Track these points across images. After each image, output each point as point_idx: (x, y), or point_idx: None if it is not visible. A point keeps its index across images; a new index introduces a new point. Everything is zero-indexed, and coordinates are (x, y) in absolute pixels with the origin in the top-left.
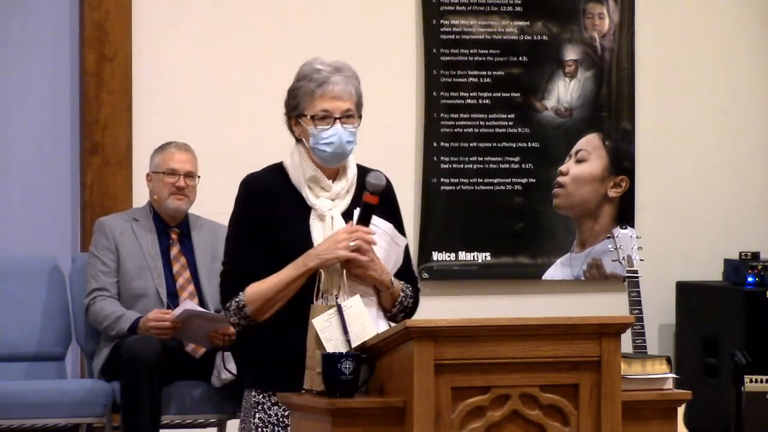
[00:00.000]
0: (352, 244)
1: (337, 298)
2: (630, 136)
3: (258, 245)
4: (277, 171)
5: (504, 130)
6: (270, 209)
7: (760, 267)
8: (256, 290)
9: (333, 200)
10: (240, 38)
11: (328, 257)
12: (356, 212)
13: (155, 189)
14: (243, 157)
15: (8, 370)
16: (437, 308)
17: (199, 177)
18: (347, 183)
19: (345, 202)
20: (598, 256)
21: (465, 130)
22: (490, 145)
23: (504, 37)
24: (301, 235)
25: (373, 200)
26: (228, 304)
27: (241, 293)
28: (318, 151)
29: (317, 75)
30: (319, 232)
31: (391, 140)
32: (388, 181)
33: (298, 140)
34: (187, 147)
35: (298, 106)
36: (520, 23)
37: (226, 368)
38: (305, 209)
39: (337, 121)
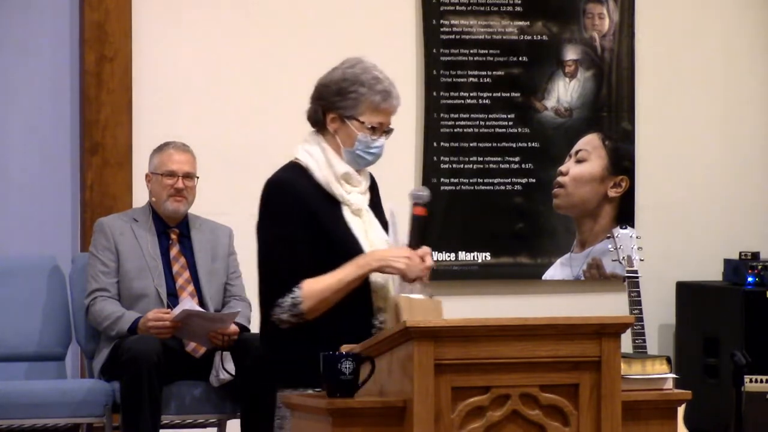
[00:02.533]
0: (418, 270)
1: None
2: (630, 136)
3: (305, 242)
4: (297, 170)
5: (504, 130)
6: (308, 206)
7: (760, 267)
8: (313, 288)
9: (363, 195)
10: (240, 38)
11: (390, 265)
12: (387, 222)
13: (154, 190)
14: (243, 157)
15: (8, 370)
16: None
17: (198, 177)
18: (367, 179)
19: (368, 197)
20: (598, 256)
21: (465, 130)
22: (490, 145)
23: (504, 37)
24: (344, 230)
25: (423, 212)
26: (281, 301)
27: (296, 290)
28: (358, 156)
29: (380, 86)
30: (358, 226)
31: (391, 140)
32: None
33: (316, 127)
34: (186, 147)
35: (353, 109)
36: (520, 23)
37: (225, 368)
38: (336, 205)
39: (384, 133)
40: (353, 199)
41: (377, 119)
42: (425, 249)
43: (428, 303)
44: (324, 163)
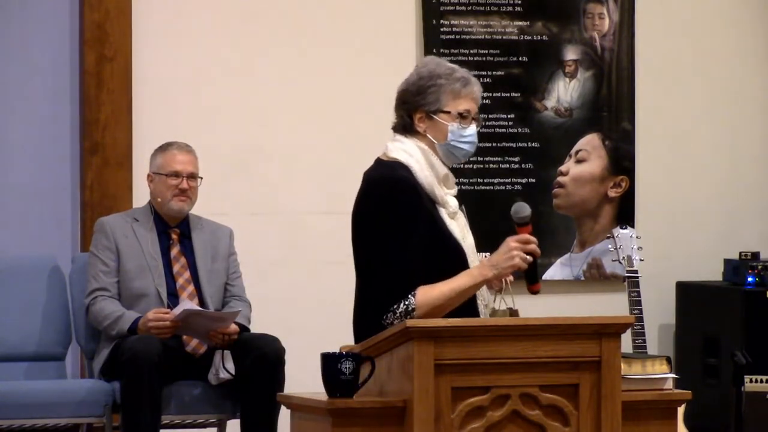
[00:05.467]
0: (528, 256)
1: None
2: (630, 136)
3: (418, 245)
4: (402, 169)
5: (504, 130)
6: (418, 208)
7: (760, 267)
8: (428, 296)
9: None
10: (240, 38)
11: (504, 266)
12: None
13: (157, 190)
14: (243, 158)
15: (8, 370)
16: None
17: (201, 178)
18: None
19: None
20: (598, 256)
21: None
22: (490, 145)
23: (504, 37)
24: (446, 233)
25: (528, 230)
26: (395, 306)
27: (411, 297)
28: (454, 148)
29: (457, 74)
30: (455, 229)
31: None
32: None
33: (406, 134)
34: (189, 148)
35: (437, 102)
36: (520, 23)
37: (225, 368)
38: (433, 206)
39: (473, 121)
40: (451, 201)
41: (462, 106)
42: (521, 236)
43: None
44: (425, 164)
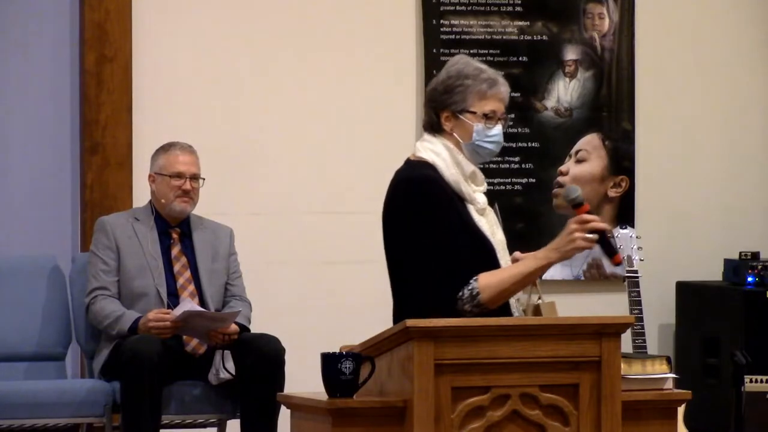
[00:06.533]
0: (589, 235)
1: (539, 298)
2: (630, 136)
3: (460, 239)
4: (430, 169)
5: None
6: (452, 206)
7: (760, 267)
8: (491, 281)
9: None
10: (240, 38)
11: (567, 249)
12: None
13: (160, 191)
14: (242, 158)
15: (8, 370)
16: None
17: (203, 179)
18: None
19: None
20: (598, 256)
21: None
22: None
23: (504, 37)
24: (474, 228)
25: (587, 209)
26: (460, 294)
27: (472, 282)
28: (479, 147)
29: (484, 75)
30: (484, 225)
31: (391, 140)
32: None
33: (434, 133)
34: (191, 148)
35: (463, 102)
36: (520, 23)
37: (225, 368)
38: (461, 203)
39: (499, 121)
40: (479, 198)
41: (488, 107)
42: (579, 217)
43: (552, 306)
44: (451, 162)
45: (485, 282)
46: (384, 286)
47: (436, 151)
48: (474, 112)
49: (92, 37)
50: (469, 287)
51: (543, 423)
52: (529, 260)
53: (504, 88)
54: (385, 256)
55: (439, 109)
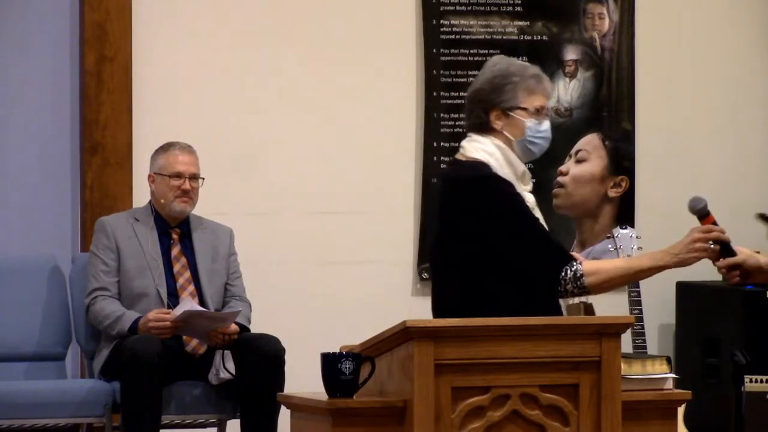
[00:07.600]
0: (711, 245)
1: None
2: (630, 136)
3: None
4: (484, 168)
5: None
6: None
7: None
8: (600, 266)
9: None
10: (239, 38)
11: (685, 256)
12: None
13: (159, 191)
14: (242, 158)
15: (8, 370)
16: None
17: (203, 179)
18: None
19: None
20: (598, 256)
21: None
22: None
23: (504, 37)
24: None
25: (710, 220)
26: (563, 274)
27: (575, 264)
28: (531, 143)
29: (529, 71)
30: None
31: (390, 140)
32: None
33: (483, 133)
34: (191, 148)
35: (514, 99)
36: (520, 23)
37: (226, 368)
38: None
39: (546, 116)
40: (528, 197)
41: (537, 102)
42: (704, 226)
43: (591, 307)
44: (504, 162)
45: (592, 267)
46: (384, 287)
47: (488, 151)
48: (525, 108)
49: (92, 37)
50: (573, 267)
51: (543, 423)
52: (645, 258)
53: (548, 83)
54: (441, 258)
55: (489, 109)
